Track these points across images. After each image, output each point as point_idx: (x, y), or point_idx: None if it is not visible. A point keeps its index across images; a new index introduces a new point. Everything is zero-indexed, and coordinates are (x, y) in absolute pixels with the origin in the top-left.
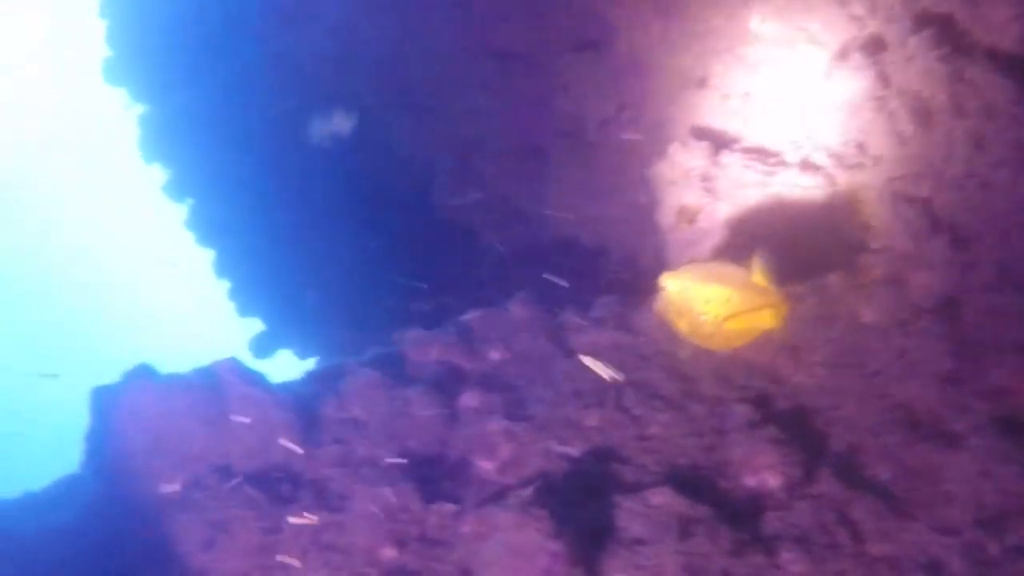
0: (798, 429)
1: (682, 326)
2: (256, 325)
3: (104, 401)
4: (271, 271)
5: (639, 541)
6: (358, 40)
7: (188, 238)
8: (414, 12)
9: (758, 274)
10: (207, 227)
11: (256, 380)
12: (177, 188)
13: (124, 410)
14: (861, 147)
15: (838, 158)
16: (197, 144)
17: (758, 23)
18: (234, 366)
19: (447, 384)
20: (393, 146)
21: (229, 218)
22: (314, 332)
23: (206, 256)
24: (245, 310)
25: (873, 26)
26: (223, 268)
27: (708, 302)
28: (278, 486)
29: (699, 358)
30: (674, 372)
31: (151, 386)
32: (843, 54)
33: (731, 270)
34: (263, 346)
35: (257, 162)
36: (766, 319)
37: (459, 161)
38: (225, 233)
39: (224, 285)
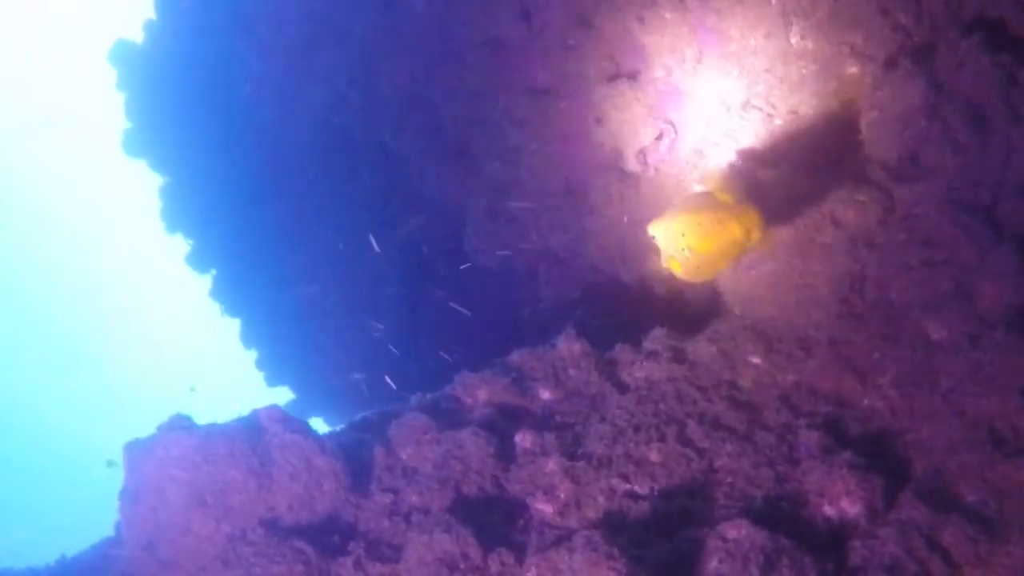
0: (874, 454)
1: (676, 269)
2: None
3: (138, 456)
4: (299, 339)
5: None
6: (381, 86)
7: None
8: (439, 51)
9: (721, 192)
10: (232, 297)
11: (300, 428)
12: (200, 259)
13: (159, 464)
14: (915, 158)
15: (892, 171)
16: (220, 214)
17: (797, 40)
18: (276, 413)
19: (498, 426)
20: (423, 195)
21: (254, 287)
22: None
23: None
24: (273, 380)
25: (920, 35)
26: (249, 338)
27: (684, 234)
28: (327, 537)
29: (762, 386)
30: (736, 402)
31: (188, 437)
32: (891, 63)
33: (703, 198)
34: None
35: (281, 228)
36: (734, 231)
37: (492, 204)
38: (250, 302)
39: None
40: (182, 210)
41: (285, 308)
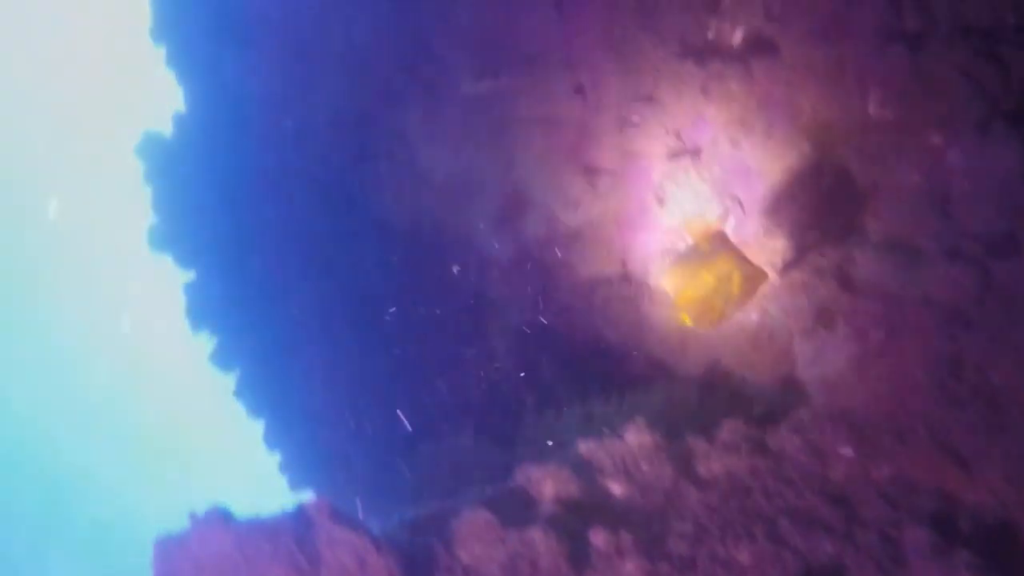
0: (991, 553)
1: (685, 319)
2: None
3: (170, 553)
4: (321, 440)
5: None
6: (424, 171)
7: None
8: (485, 132)
9: (700, 240)
10: (256, 396)
11: (352, 522)
12: (224, 357)
13: (194, 563)
14: (1013, 229)
15: (988, 244)
16: (243, 312)
17: (876, 109)
18: (326, 507)
19: (568, 523)
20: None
21: (278, 387)
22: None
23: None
24: (296, 484)
25: (1009, 102)
26: (272, 440)
27: (674, 293)
28: None
29: (856, 479)
30: (830, 496)
31: (226, 532)
32: (983, 127)
33: (686, 250)
34: None
35: (303, 328)
36: (706, 280)
37: (546, 291)
38: (274, 403)
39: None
40: (207, 308)
41: (307, 410)
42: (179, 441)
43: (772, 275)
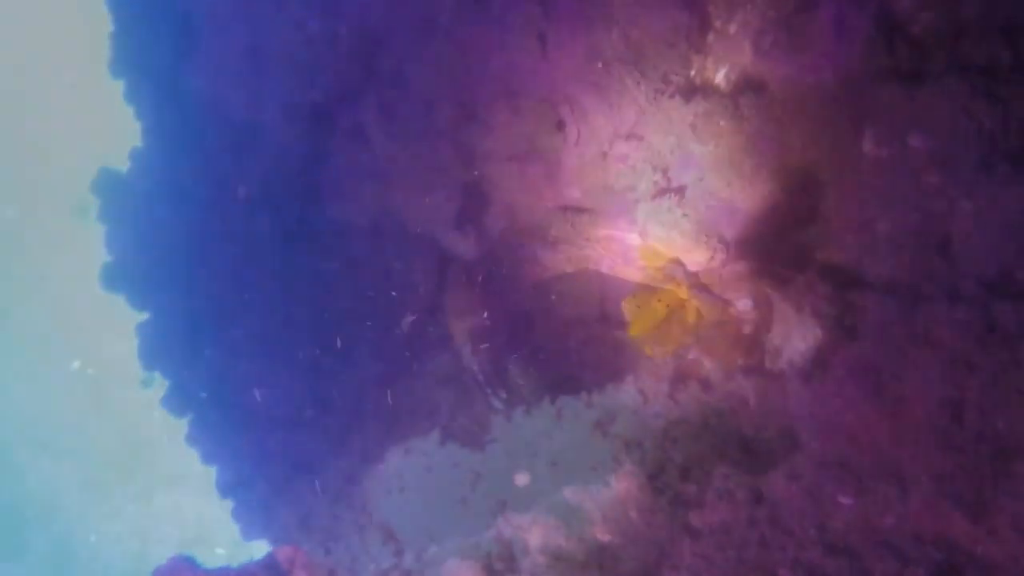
0: None
1: (646, 348)
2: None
3: None
4: (276, 487)
5: None
6: (392, 212)
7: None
8: (458, 171)
9: (654, 269)
10: (209, 442)
11: (328, 572)
12: (177, 401)
13: None
14: (1016, 270)
15: (990, 285)
16: (198, 351)
17: (871, 147)
18: (301, 557)
19: (557, 574)
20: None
21: (232, 434)
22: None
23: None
24: (249, 533)
25: (1009, 141)
26: (226, 487)
27: (629, 322)
28: None
29: (857, 528)
30: (833, 548)
31: None
32: (987, 168)
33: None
34: None
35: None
36: (658, 309)
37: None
38: (228, 449)
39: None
40: (160, 349)
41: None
42: (141, 468)
43: (753, 315)
